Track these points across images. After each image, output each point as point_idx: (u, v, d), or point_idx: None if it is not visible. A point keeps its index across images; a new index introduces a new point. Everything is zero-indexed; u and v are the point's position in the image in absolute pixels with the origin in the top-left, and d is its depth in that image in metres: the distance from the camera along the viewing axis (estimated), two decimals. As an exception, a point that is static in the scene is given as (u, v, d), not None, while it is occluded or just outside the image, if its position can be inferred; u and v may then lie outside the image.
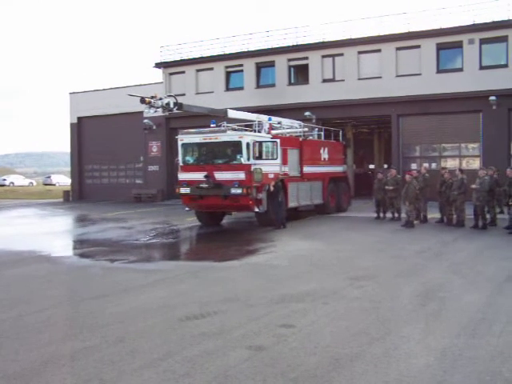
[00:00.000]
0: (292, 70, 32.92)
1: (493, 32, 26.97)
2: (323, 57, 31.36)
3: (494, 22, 26.78)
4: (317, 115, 29.99)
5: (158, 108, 18.10)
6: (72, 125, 40.29)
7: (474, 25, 27.46)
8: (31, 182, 70.73)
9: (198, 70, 35.44)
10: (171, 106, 18.38)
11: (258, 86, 33.48)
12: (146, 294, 9.39)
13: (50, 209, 31.57)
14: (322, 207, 22.96)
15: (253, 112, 23.06)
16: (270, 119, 21.58)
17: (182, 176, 19.06)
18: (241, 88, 33.88)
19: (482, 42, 27.40)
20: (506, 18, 26.61)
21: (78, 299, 9.09)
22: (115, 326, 7.40)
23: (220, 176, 18.02)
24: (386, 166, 36.09)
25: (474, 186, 17.31)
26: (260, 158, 18.14)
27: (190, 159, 19.12)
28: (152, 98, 17.93)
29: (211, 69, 34.82)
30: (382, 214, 20.64)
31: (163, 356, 6.18)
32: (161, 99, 18.15)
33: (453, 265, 11.56)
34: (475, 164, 27.39)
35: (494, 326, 7.14)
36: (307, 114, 29.73)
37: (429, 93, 28.08)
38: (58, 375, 5.73)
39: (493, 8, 27.03)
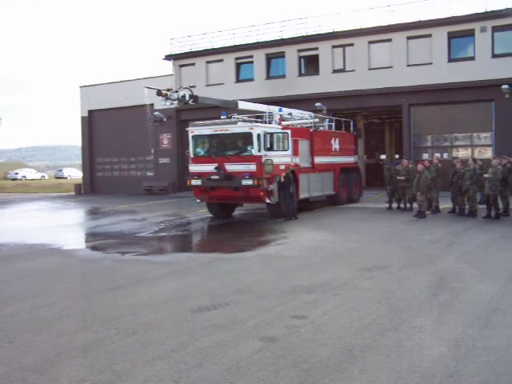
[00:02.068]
0: (302, 60, 32.77)
1: (505, 19, 26.62)
2: (333, 47, 31.19)
3: (507, 9, 26.44)
4: (327, 106, 29.85)
5: (174, 100, 18.12)
6: (83, 118, 40.43)
7: (485, 12, 27.16)
8: (43, 176, 71.04)
9: (207, 62, 35.37)
10: (187, 98, 18.39)
11: (268, 77, 33.37)
12: (158, 285, 9.42)
13: (62, 202, 31.75)
14: (333, 198, 22.92)
15: (263, 103, 22.99)
16: (280, 110, 21.50)
17: (193, 168, 19.09)
18: (251, 79, 33.79)
19: (495, 29, 27.11)
20: (518, 5, 26.33)
21: (91, 292, 9.14)
22: (127, 318, 7.43)
23: (231, 168, 18.03)
24: (397, 156, 35.89)
25: (486, 176, 17.16)
26: (271, 149, 18.12)
27: (200, 151, 19.13)
28: (168, 90, 17.99)
29: (221, 60, 34.75)
30: (395, 204, 20.51)
31: (175, 347, 6.20)
32: (177, 92, 18.18)
33: (465, 255, 11.50)
34: (487, 153, 27.18)
35: (507, 316, 7.10)
36: (318, 104, 29.59)
37: (440, 82, 27.86)
38: (71, 367, 5.77)
39: (505, -5, 26.78)
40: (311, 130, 21.97)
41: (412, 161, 21.37)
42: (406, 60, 29.14)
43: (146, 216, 21.47)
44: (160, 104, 18.36)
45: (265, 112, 21.07)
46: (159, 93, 17.64)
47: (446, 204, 19.60)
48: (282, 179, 18.06)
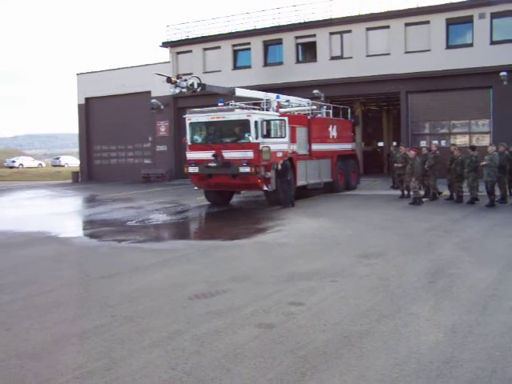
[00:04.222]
0: (300, 47, 32.62)
1: (504, 6, 26.47)
2: (331, 34, 31.01)
3: (504, -4, 26.29)
4: (325, 93, 29.73)
5: (182, 88, 18.17)
6: (80, 106, 40.24)
7: (484, -2, 27.00)
8: (40, 164, 70.87)
9: (205, 49, 35.18)
10: (195, 86, 18.43)
11: (266, 65, 33.21)
12: (155, 273, 9.41)
13: (59, 190, 31.69)
14: (330, 185, 22.88)
15: (261, 90, 22.89)
16: (278, 97, 21.40)
17: (191, 155, 19.04)
18: (248, 66, 33.61)
19: (493, 16, 26.94)
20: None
21: (88, 279, 9.13)
22: (124, 306, 7.43)
23: (228, 155, 17.97)
24: (395, 143, 35.86)
25: (484, 163, 17.12)
26: (268, 136, 18.05)
27: (198, 138, 19.08)
28: (178, 77, 18.03)
29: (218, 47, 34.57)
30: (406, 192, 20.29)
31: (172, 334, 6.20)
32: (185, 80, 18.21)
33: (462, 242, 11.50)
34: (485, 141, 27.13)
35: (504, 303, 7.11)
36: (315, 91, 29.46)
37: (438, 69, 27.73)
38: (68, 354, 5.77)
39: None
40: (309, 117, 21.92)
41: (409, 148, 21.35)
42: (404, 47, 28.99)
43: (143, 203, 21.45)
44: (169, 91, 18.54)
45: (262, 99, 20.99)
46: (169, 80, 17.83)
47: (443, 191, 19.58)
48: (280, 166, 18.03)
